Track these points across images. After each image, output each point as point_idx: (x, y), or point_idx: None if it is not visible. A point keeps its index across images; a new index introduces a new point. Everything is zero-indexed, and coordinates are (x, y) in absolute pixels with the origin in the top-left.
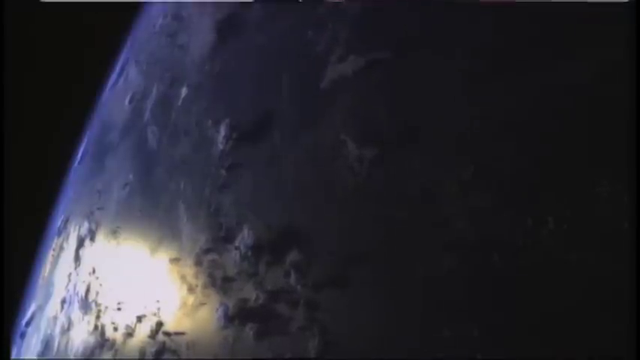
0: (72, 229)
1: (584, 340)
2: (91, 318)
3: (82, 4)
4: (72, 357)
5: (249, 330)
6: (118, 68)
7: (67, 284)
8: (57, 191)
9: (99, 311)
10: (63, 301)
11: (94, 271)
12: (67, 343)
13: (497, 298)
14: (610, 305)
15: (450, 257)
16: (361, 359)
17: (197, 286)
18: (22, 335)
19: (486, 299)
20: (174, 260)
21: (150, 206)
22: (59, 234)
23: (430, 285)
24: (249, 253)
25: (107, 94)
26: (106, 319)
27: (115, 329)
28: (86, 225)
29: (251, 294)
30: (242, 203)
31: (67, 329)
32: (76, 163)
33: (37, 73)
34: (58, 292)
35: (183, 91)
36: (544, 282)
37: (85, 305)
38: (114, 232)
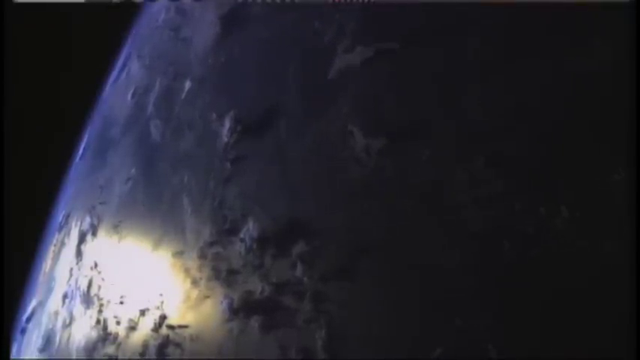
0: (73, 225)
1: (598, 330)
2: (93, 312)
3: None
4: (74, 351)
5: (254, 322)
6: (119, 64)
7: (69, 279)
8: (57, 188)
9: (101, 305)
10: (64, 296)
11: (95, 266)
12: (69, 337)
13: (509, 288)
14: (626, 295)
15: (459, 248)
16: (369, 351)
17: (201, 279)
18: (23, 331)
19: (498, 289)
20: (178, 253)
21: (153, 200)
22: (60, 229)
23: (440, 275)
24: (255, 246)
25: (108, 90)
26: (108, 313)
27: (118, 323)
28: (88, 220)
29: (256, 286)
30: (247, 196)
31: (68, 324)
32: (77, 159)
33: (37, 70)
34: (60, 287)
35: (187, 84)
36: (557, 271)
37: (87, 300)
38: (116, 227)
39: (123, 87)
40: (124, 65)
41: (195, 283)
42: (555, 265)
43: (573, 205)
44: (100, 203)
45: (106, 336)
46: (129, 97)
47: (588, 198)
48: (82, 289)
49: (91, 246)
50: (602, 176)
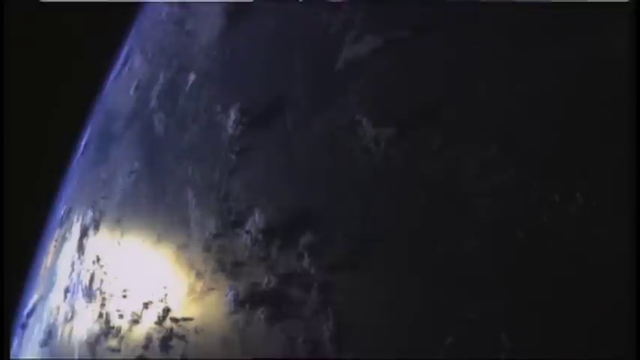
0: (75, 219)
1: (614, 320)
2: (95, 306)
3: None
4: (76, 345)
5: (260, 314)
6: (121, 58)
7: (71, 273)
8: (59, 183)
9: (103, 299)
10: (66, 290)
11: (98, 260)
12: (71, 331)
13: (523, 276)
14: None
15: (472, 236)
16: (378, 342)
17: (206, 271)
18: (24, 326)
19: (511, 278)
20: (182, 246)
21: (156, 193)
22: (61, 225)
23: (451, 265)
24: (261, 237)
25: (110, 85)
26: (110, 307)
27: (121, 316)
28: (90, 214)
29: (262, 278)
30: (253, 187)
31: (70, 318)
32: (79, 154)
33: (38, 65)
34: (61, 281)
35: (191, 77)
36: (572, 258)
37: (89, 293)
38: (119, 221)
39: (125, 81)
40: (126, 60)
41: (199, 275)
42: (570, 253)
43: (589, 192)
44: (103, 197)
45: (108, 329)
46: (131, 91)
47: (604, 185)
48: (84, 283)
49: (92, 240)
50: (617, 162)
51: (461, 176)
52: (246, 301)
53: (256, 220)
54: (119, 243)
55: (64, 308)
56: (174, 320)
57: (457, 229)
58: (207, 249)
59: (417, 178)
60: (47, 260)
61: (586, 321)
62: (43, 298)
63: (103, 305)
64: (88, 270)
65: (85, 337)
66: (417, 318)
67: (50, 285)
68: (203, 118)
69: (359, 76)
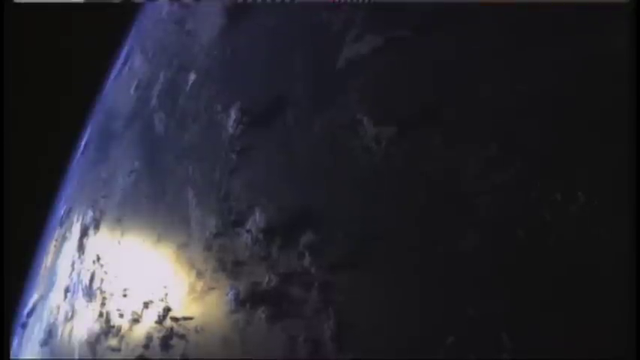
0: (75, 219)
1: (614, 318)
2: (95, 305)
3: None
4: (76, 344)
5: (261, 313)
6: (121, 58)
7: (71, 273)
8: (59, 183)
9: (104, 298)
10: (66, 290)
11: (98, 259)
12: (71, 330)
13: (523, 276)
14: None
15: (472, 235)
16: (378, 341)
17: (206, 270)
18: (24, 326)
19: (511, 277)
20: (183, 246)
21: (157, 193)
22: (61, 224)
23: (452, 264)
24: (261, 236)
25: (110, 85)
26: (111, 306)
27: (121, 316)
28: (90, 214)
29: (263, 277)
30: (254, 186)
31: (70, 317)
32: (79, 154)
33: (38, 65)
34: (61, 281)
35: (192, 76)
36: (573, 258)
37: (90, 293)
38: (119, 220)
39: (125, 81)
40: (127, 59)
41: (200, 274)
42: (571, 252)
43: (590, 191)
44: (103, 197)
45: (108, 329)
46: (132, 90)
47: (605, 184)
48: (84, 283)
49: (93, 240)
50: (618, 162)
51: (461, 176)
52: (246, 301)
53: (257, 220)
54: (119, 242)
55: (65, 308)
56: (175, 319)
57: (457, 228)
58: (207, 248)
59: (417, 177)
60: (47, 260)
61: (586, 321)
62: (43, 297)
63: (103, 304)
64: (88, 269)
65: (85, 337)
66: (418, 317)
67: (50, 284)
68: (203, 118)
69: (359, 75)
